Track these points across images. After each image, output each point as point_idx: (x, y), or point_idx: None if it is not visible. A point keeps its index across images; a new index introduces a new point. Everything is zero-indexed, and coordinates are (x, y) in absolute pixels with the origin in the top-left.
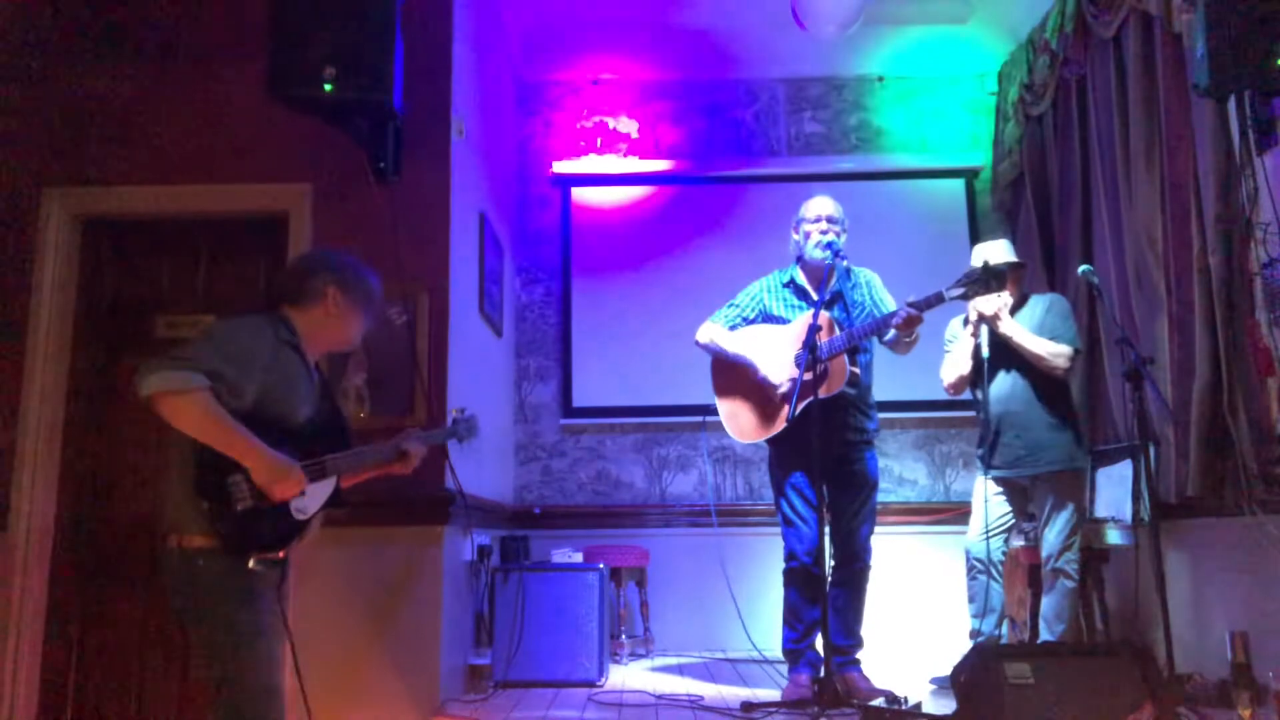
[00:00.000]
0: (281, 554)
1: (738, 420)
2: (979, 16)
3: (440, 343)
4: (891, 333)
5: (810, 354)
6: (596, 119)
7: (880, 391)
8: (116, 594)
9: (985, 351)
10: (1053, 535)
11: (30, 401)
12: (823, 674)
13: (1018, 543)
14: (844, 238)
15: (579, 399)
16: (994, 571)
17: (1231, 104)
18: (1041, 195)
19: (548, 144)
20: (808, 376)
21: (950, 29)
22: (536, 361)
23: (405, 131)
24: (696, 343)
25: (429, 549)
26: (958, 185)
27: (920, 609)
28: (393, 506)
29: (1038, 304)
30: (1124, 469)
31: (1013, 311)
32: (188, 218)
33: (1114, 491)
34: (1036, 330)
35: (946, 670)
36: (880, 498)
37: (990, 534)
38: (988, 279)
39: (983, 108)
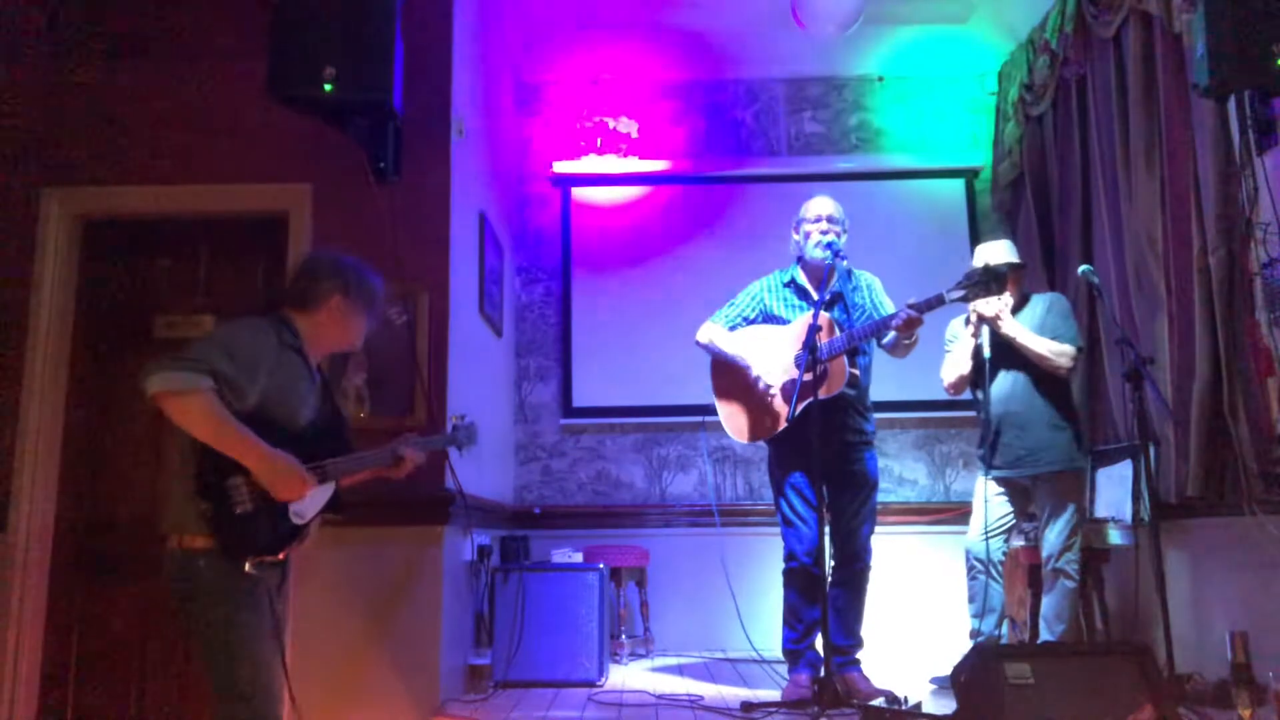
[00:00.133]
0: (280, 556)
1: (737, 421)
2: (979, 16)
3: (440, 343)
4: (891, 335)
5: (810, 354)
6: (596, 119)
7: (880, 391)
8: (116, 594)
9: (986, 352)
10: (1053, 535)
11: (30, 401)
12: (823, 674)
13: (1018, 543)
14: (844, 238)
15: (579, 399)
16: (994, 571)
17: (1231, 104)
18: (1041, 195)
19: (548, 144)
20: (807, 377)
21: (950, 29)
22: (536, 361)
23: (405, 131)
24: (696, 342)
25: (429, 549)
26: (958, 185)
27: (920, 609)
28: (393, 507)
29: (1038, 304)
30: (1124, 469)
31: (1014, 311)
32: (188, 218)
33: (1114, 491)
34: (1038, 330)
35: (947, 670)
36: (880, 498)
37: (990, 534)
38: (988, 280)
39: (983, 108)
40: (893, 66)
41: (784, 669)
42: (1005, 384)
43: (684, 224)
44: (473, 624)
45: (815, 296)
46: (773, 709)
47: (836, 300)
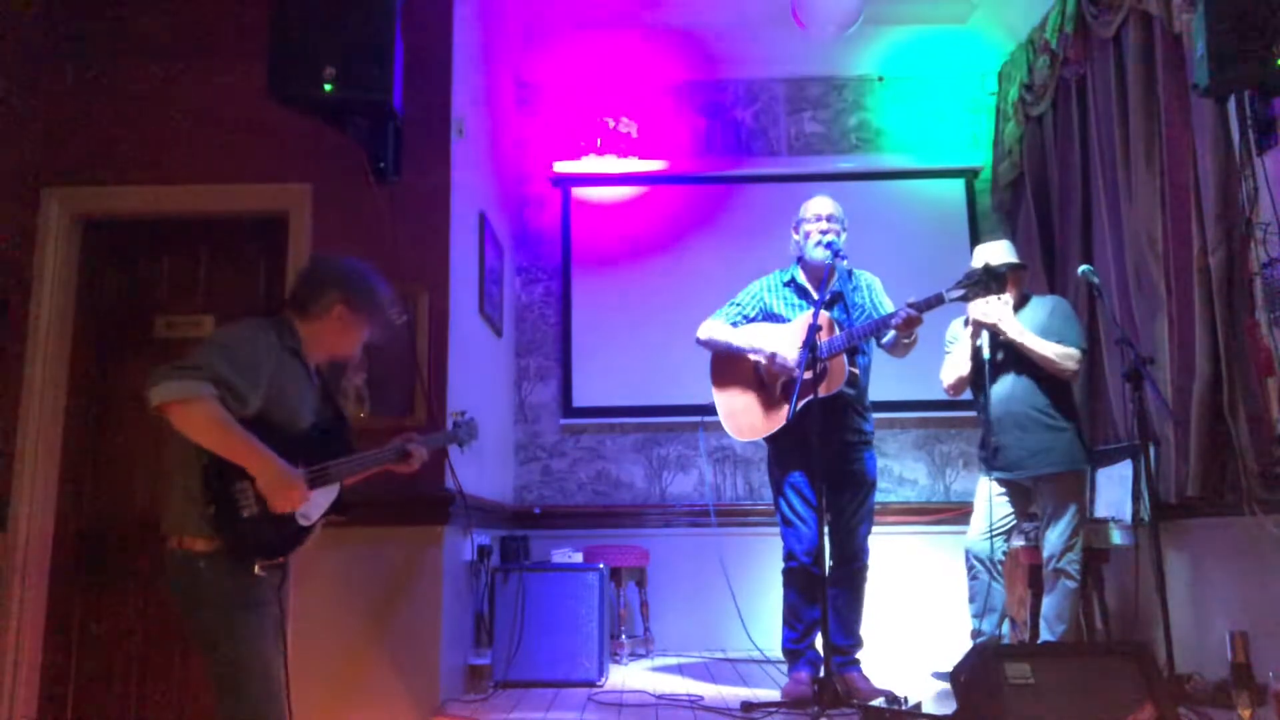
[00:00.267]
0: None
1: (736, 419)
2: (979, 16)
3: (440, 343)
4: (890, 335)
5: (810, 353)
6: (596, 119)
7: (880, 391)
8: (116, 594)
9: (986, 354)
10: (1054, 536)
11: (30, 401)
12: (823, 674)
13: (1018, 543)
14: (844, 237)
15: (579, 399)
16: (995, 571)
17: (1231, 104)
18: (1041, 195)
19: (548, 144)
20: (807, 375)
21: (950, 29)
22: (536, 361)
23: (405, 131)
24: (697, 340)
25: (429, 549)
26: (958, 185)
27: (920, 609)
28: (393, 506)
29: (1039, 305)
30: (1124, 469)
31: (1013, 311)
32: (188, 218)
33: (1114, 491)
34: (1040, 333)
35: (948, 665)
36: (880, 498)
37: (991, 534)
38: (988, 281)
39: (983, 108)
40: (893, 66)
41: (784, 669)
42: (1005, 385)
43: (684, 224)
44: (473, 624)
45: (815, 296)
46: (773, 709)
47: (836, 300)
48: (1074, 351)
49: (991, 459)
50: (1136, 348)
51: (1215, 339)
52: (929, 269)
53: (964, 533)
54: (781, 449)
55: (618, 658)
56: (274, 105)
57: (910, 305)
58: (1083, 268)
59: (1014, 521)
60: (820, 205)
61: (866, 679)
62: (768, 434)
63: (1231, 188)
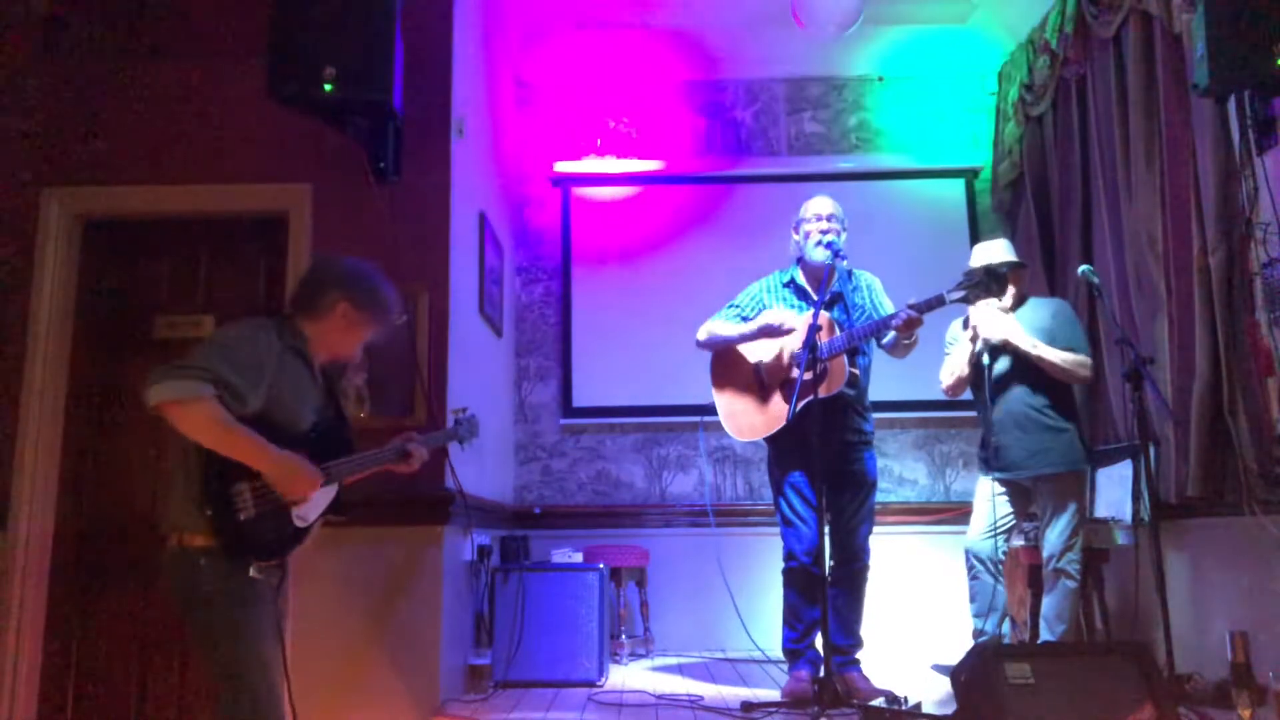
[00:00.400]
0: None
1: (736, 419)
2: (979, 16)
3: (440, 343)
4: (891, 335)
5: (810, 353)
6: (596, 119)
7: (880, 391)
8: (116, 594)
9: (986, 360)
10: (1054, 536)
11: (30, 401)
12: (823, 674)
13: (1018, 542)
14: (844, 237)
15: (579, 399)
16: (996, 571)
17: (1231, 104)
18: (1041, 195)
19: (548, 144)
20: (808, 376)
21: (950, 29)
22: (536, 361)
23: (405, 131)
24: (697, 342)
25: (429, 549)
26: (958, 185)
27: (920, 609)
28: (393, 506)
29: (1039, 306)
30: (1124, 469)
31: (1012, 309)
32: (188, 218)
33: (1114, 491)
34: (1042, 335)
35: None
36: (880, 498)
37: (994, 534)
38: (988, 282)
39: (983, 108)
40: (893, 66)
41: (784, 668)
42: (1005, 385)
43: (684, 224)
44: (473, 624)
45: (815, 297)
46: (773, 709)
47: (836, 300)
48: (1086, 359)
49: (991, 459)
50: (1136, 348)
51: (1215, 339)
52: (929, 269)
53: (964, 533)
54: (781, 449)
55: (618, 658)
56: (274, 105)
57: (910, 306)
58: (1083, 268)
59: (1013, 521)
60: (820, 205)
61: (866, 679)
62: (768, 434)
63: (1231, 188)
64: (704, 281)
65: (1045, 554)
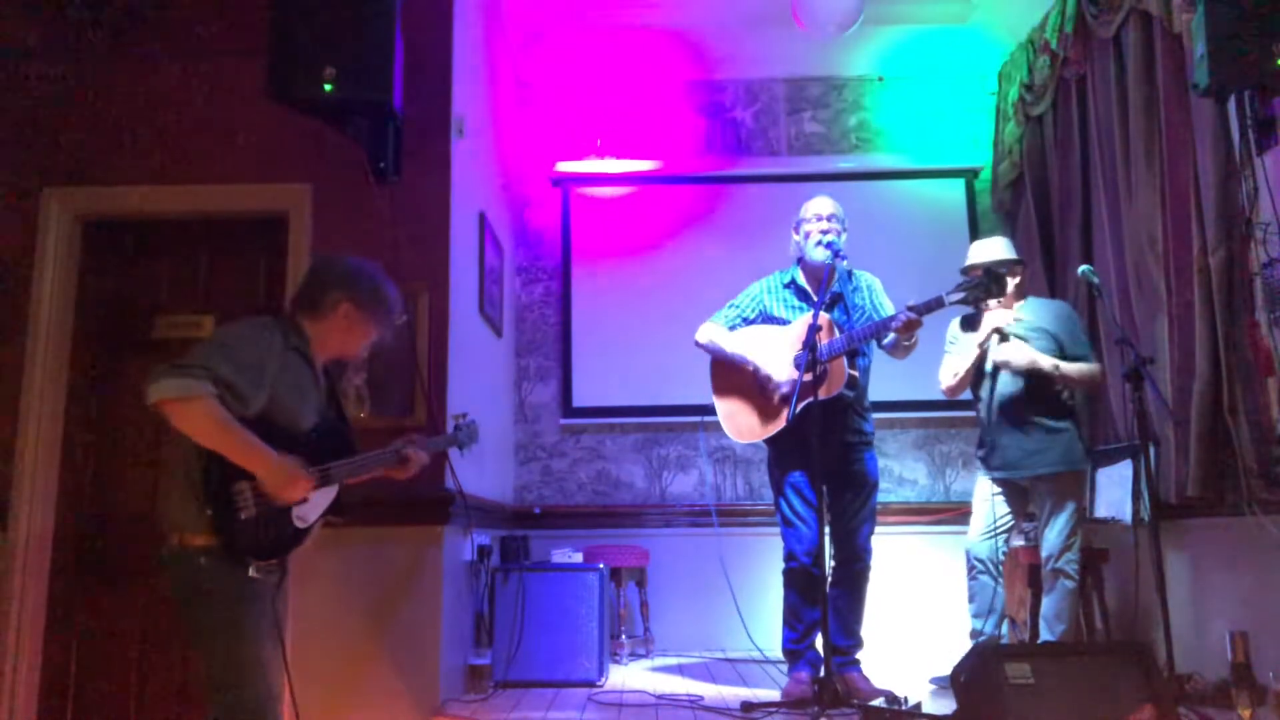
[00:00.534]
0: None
1: (736, 420)
2: (979, 16)
3: (440, 343)
4: (891, 336)
5: (810, 355)
6: (596, 119)
7: (880, 391)
8: (116, 593)
9: (989, 366)
10: (1053, 535)
11: (30, 402)
12: (823, 674)
13: (1017, 542)
14: (844, 237)
15: (579, 399)
16: (996, 572)
17: (1231, 104)
18: (1041, 195)
19: (548, 144)
20: (807, 377)
21: (950, 29)
22: (536, 361)
23: (405, 131)
24: (696, 343)
25: (429, 549)
26: (958, 185)
27: (920, 609)
28: (393, 506)
29: (1039, 307)
30: (1124, 469)
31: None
32: (188, 218)
33: (1114, 491)
34: (1048, 340)
35: (946, 670)
36: (880, 498)
37: (994, 534)
38: (989, 284)
39: (983, 108)
40: (893, 66)
41: (784, 669)
42: (1004, 385)
43: (684, 224)
44: (473, 624)
45: (815, 297)
46: (773, 709)
47: (836, 301)
48: (1100, 367)
49: (989, 459)
50: (1136, 348)
51: (1215, 339)
52: (929, 269)
53: (964, 533)
54: (782, 450)
55: (618, 658)
56: (274, 105)
57: (910, 308)
58: (1083, 268)
59: (1012, 522)
60: (820, 205)
61: (867, 679)
62: (767, 436)
63: (1231, 188)
64: (704, 281)
65: (1044, 554)
